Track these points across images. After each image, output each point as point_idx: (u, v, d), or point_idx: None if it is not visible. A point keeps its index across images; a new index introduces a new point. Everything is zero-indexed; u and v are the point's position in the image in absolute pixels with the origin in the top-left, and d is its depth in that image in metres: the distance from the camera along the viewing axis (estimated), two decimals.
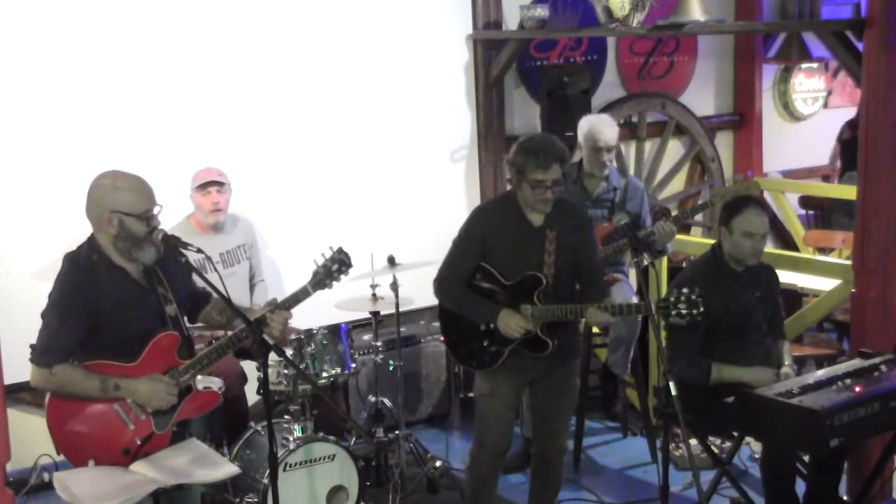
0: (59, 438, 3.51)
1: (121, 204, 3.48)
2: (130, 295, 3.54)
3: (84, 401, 3.50)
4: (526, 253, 3.97)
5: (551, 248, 3.95)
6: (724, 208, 4.42)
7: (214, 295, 3.62)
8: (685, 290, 3.72)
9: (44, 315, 3.52)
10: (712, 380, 4.22)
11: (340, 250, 3.78)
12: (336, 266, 3.76)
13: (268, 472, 3.96)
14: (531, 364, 4.06)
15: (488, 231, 4.02)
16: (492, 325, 3.99)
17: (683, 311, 3.72)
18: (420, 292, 4.76)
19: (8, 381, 3.81)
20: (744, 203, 4.33)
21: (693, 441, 4.52)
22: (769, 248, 7.01)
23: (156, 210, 3.55)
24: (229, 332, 3.70)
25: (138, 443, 3.56)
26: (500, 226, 4.00)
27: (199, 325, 4.72)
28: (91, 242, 3.56)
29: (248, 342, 3.64)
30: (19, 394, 4.83)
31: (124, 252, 3.52)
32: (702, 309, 3.71)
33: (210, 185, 4.97)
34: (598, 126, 5.11)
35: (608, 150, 5.08)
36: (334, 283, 3.81)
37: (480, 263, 4.02)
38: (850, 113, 7.54)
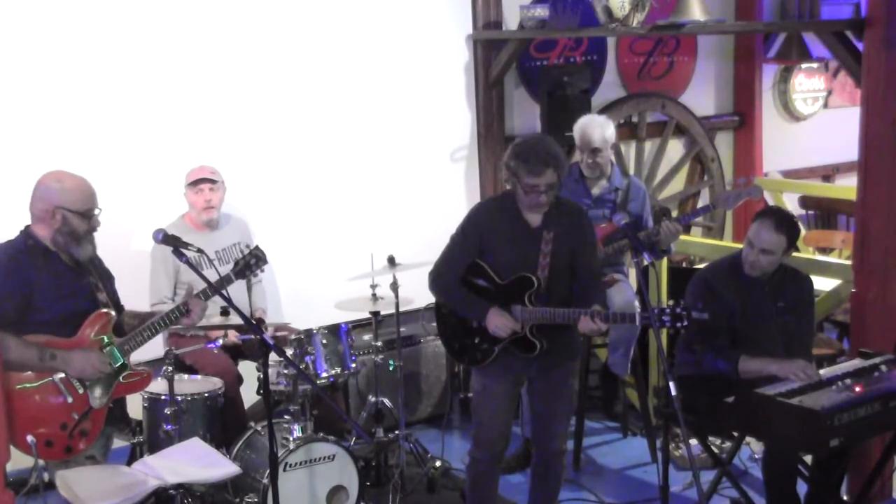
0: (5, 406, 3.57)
1: (66, 201, 3.75)
2: (64, 276, 3.78)
3: (24, 373, 3.64)
4: (521, 253, 3.96)
5: (547, 250, 3.94)
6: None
7: (127, 307, 4.04)
8: (670, 303, 3.71)
9: None
10: (740, 371, 4.14)
11: (257, 247, 4.05)
12: (254, 260, 4.02)
13: (268, 472, 3.96)
14: (524, 363, 4.05)
15: (485, 229, 4.02)
16: (483, 322, 3.99)
17: (667, 324, 3.70)
18: (420, 292, 4.75)
19: None
20: (763, 215, 4.26)
21: (693, 441, 4.51)
22: None
23: (96, 211, 3.81)
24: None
25: (76, 418, 3.71)
26: (497, 224, 4.00)
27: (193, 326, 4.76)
28: (27, 232, 3.81)
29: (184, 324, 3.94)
30: None
31: (62, 246, 3.77)
32: (686, 323, 3.68)
33: (202, 182, 4.97)
34: (586, 127, 5.09)
35: (590, 150, 5.06)
36: (253, 276, 4.14)
37: (476, 261, 4.02)
38: (851, 113, 7.53)
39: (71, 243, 3.77)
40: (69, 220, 3.74)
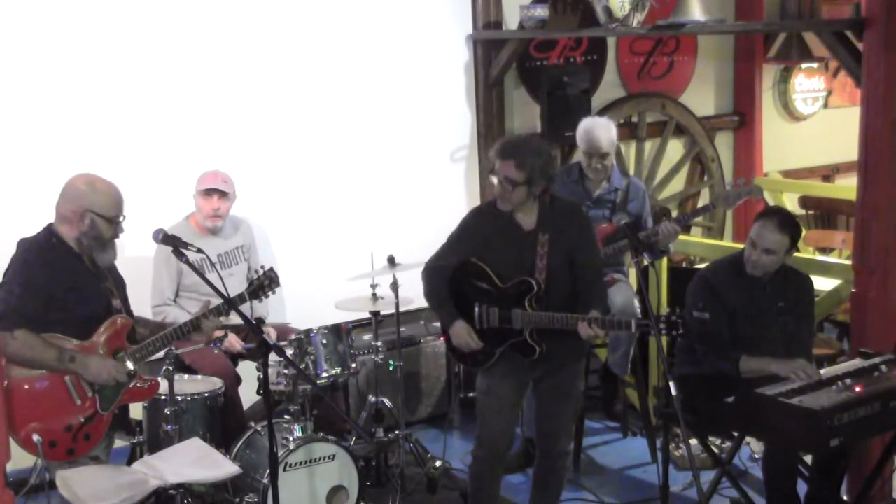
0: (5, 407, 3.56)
1: (96, 205, 3.76)
2: (84, 278, 3.79)
3: (35, 371, 3.65)
4: (518, 257, 3.96)
5: (543, 252, 3.93)
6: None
7: (136, 314, 4.04)
8: (667, 310, 3.71)
9: (5, 282, 3.70)
10: (741, 371, 4.14)
11: (272, 269, 4.11)
12: (268, 282, 4.08)
13: (268, 472, 3.96)
14: (527, 365, 4.05)
15: (481, 233, 4.03)
16: (484, 325, 4.00)
17: (663, 332, 3.68)
18: (420, 292, 4.76)
19: None
20: (766, 215, 4.28)
21: (693, 441, 4.51)
22: None
23: (121, 218, 3.82)
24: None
25: (81, 420, 3.73)
26: (493, 229, 4.00)
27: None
28: (50, 230, 3.80)
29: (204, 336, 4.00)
30: None
31: (85, 249, 3.78)
32: (681, 331, 3.68)
33: (213, 191, 4.96)
34: (592, 132, 5.07)
35: (599, 156, 5.04)
36: (264, 297, 4.18)
37: (479, 263, 4.02)
38: (851, 113, 7.53)
39: (96, 247, 3.78)
40: (97, 224, 3.75)
